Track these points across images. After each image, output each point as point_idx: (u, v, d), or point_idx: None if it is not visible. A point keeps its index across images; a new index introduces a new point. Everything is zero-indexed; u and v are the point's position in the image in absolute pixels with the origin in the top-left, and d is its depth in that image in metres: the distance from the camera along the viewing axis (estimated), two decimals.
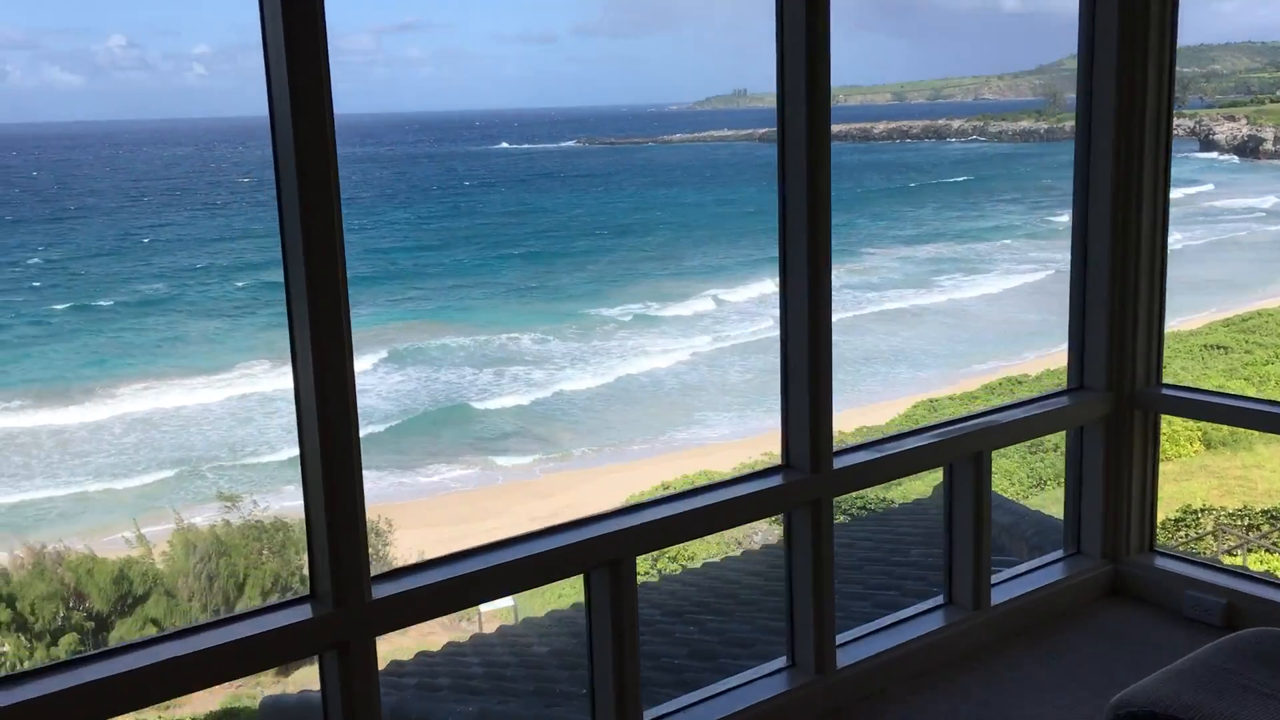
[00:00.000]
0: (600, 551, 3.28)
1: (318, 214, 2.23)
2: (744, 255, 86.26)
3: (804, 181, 3.39)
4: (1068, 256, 5.24)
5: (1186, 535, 21.17)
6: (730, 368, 56.25)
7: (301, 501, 3.09)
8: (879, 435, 4.75)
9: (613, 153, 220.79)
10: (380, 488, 40.30)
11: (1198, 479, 30.86)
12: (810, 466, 3.96)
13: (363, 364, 56.73)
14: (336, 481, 2.86)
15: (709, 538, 30.31)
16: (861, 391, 48.21)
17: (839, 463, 4.14)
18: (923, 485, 31.59)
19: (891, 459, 4.32)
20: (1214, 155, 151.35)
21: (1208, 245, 79.14)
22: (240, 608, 25.20)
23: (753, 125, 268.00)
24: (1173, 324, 52.22)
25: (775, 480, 4.01)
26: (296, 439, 2.93)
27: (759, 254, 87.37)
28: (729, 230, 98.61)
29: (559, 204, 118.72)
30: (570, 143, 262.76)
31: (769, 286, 74.84)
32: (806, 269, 3.48)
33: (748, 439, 42.71)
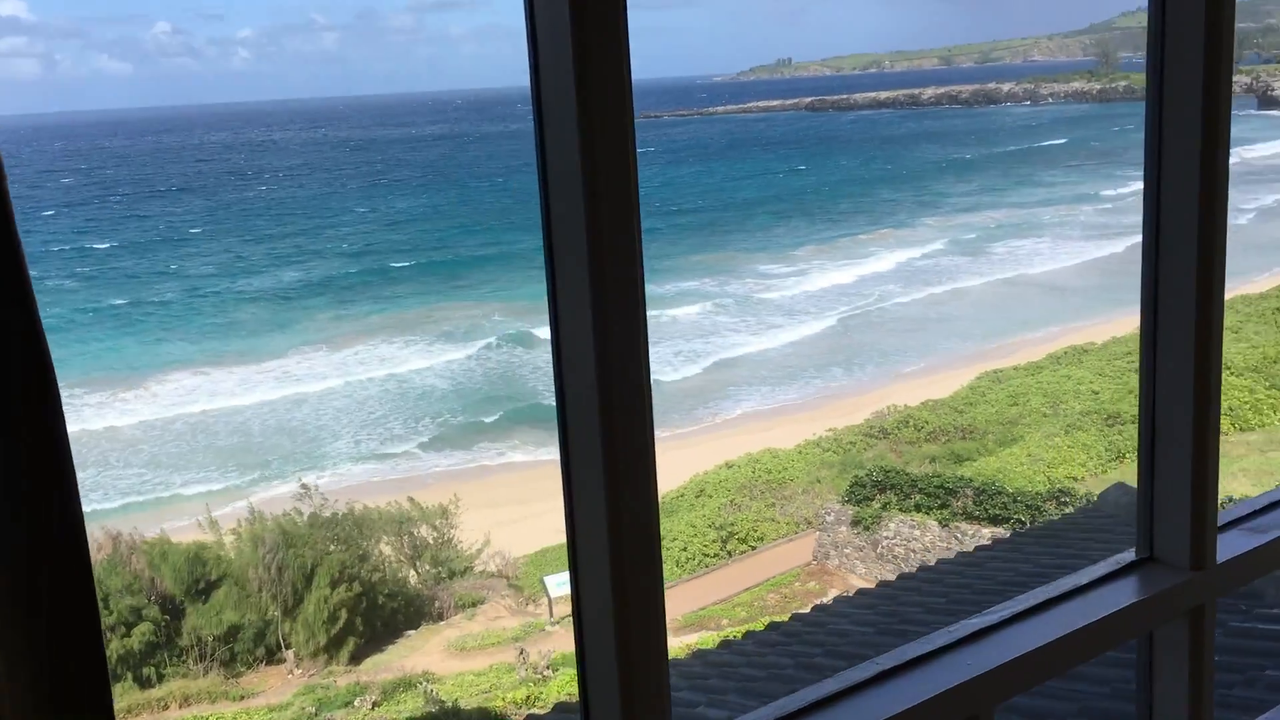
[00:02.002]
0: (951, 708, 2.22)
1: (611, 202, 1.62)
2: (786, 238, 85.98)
3: (1195, 185, 2.37)
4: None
5: None
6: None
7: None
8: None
9: (677, 125, 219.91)
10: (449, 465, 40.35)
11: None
12: (1190, 562, 2.79)
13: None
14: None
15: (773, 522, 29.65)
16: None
17: (1223, 552, 2.90)
18: (996, 462, 31.00)
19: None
20: (1274, 112, 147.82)
21: (1269, 206, 77.15)
22: (309, 599, 25.13)
23: (798, 95, 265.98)
24: (1238, 287, 51.09)
25: (1135, 584, 2.76)
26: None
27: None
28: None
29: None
30: None
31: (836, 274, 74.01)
32: (1194, 294, 2.36)
33: (793, 413, 42.34)
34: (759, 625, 12.99)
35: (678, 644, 23.66)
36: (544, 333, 58.34)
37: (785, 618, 5.88)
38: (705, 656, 5.24)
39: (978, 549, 6.40)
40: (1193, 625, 2.80)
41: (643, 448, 1.59)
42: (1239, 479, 28.74)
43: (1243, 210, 74.91)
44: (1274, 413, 31.36)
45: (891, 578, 25.61)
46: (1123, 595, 2.46)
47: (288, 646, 25.74)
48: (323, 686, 23.11)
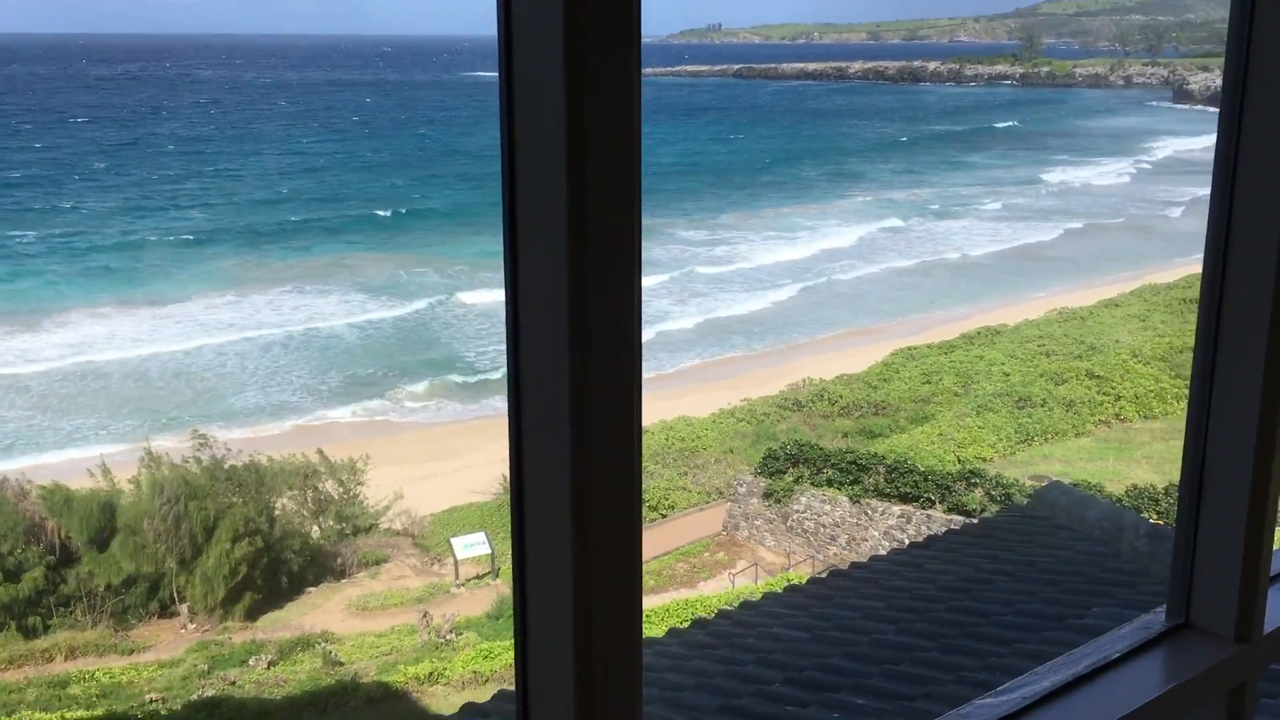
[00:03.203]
0: None
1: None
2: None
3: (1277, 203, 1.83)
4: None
5: None
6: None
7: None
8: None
9: None
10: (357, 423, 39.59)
11: None
12: (1235, 633, 2.26)
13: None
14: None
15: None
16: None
17: (1272, 619, 2.36)
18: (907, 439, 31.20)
19: None
20: (1184, 106, 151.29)
21: (1202, 198, 79.05)
22: (209, 552, 24.40)
23: (726, 61, 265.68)
24: (1148, 275, 52.27)
25: (1168, 657, 2.26)
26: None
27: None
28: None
29: None
30: None
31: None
32: (1267, 325, 1.79)
33: (710, 382, 42.31)
34: (683, 621, 12.74)
35: None
36: (467, 289, 57.51)
37: (711, 614, 5.56)
38: None
39: (913, 546, 6.19)
40: (1231, 706, 2.33)
41: (628, 412, 1.20)
42: (1141, 465, 29.33)
43: (1176, 204, 76.75)
44: (1177, 402, 32.01)
45: (800, 550, 25.59)
46: (1155, 673, 2.07)
47: (182, 600, 24.98)
48: (217, 643, 22.46)
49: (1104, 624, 4.48)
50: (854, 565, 5.72)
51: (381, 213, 78.72)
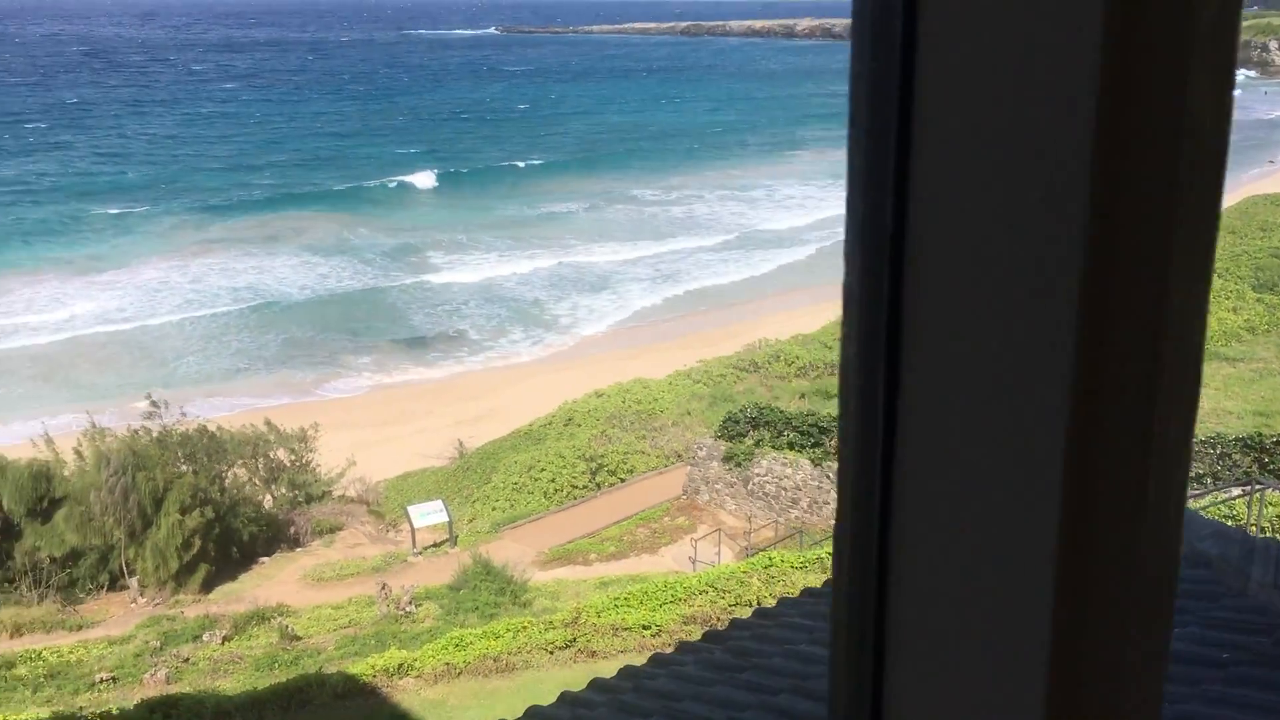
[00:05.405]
0: None
1: None
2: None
3: None
4: None
5: None
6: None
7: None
8: None
9: (549, 43, 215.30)
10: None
11: None
12: None
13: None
14: None
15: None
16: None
17: None
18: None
19: None
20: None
21: None
22: (160, 523, 23.81)
23: (673, 19, 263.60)
24: None
25: None
26: None
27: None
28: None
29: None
30: (491, 29, 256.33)
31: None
32: None
33: (660, 342, 42.04)
34: (693, 633, 12.39)
35: (548, 578, 23.14)
36: (419, 250, 56.66)
37: (725, 626, 5.19)
38: (639, 679, 4.53)
39: None
40: None
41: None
42: None
43: None
44: None
45: (761, 514, 25.37)
46: None
47: (132, 574, 24.33)
48: (169, 618, 21.89)
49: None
50: None
51: (321, 167, 77.58)
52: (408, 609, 20.31)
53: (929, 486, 0.76)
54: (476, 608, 19.99)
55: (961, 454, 0.75)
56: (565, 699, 5.02)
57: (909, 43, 0.70)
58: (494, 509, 29.09)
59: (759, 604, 12.86)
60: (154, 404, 26.98)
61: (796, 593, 12.67)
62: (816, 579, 13.48)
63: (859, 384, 0.79)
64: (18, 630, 21.84)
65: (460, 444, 33.57)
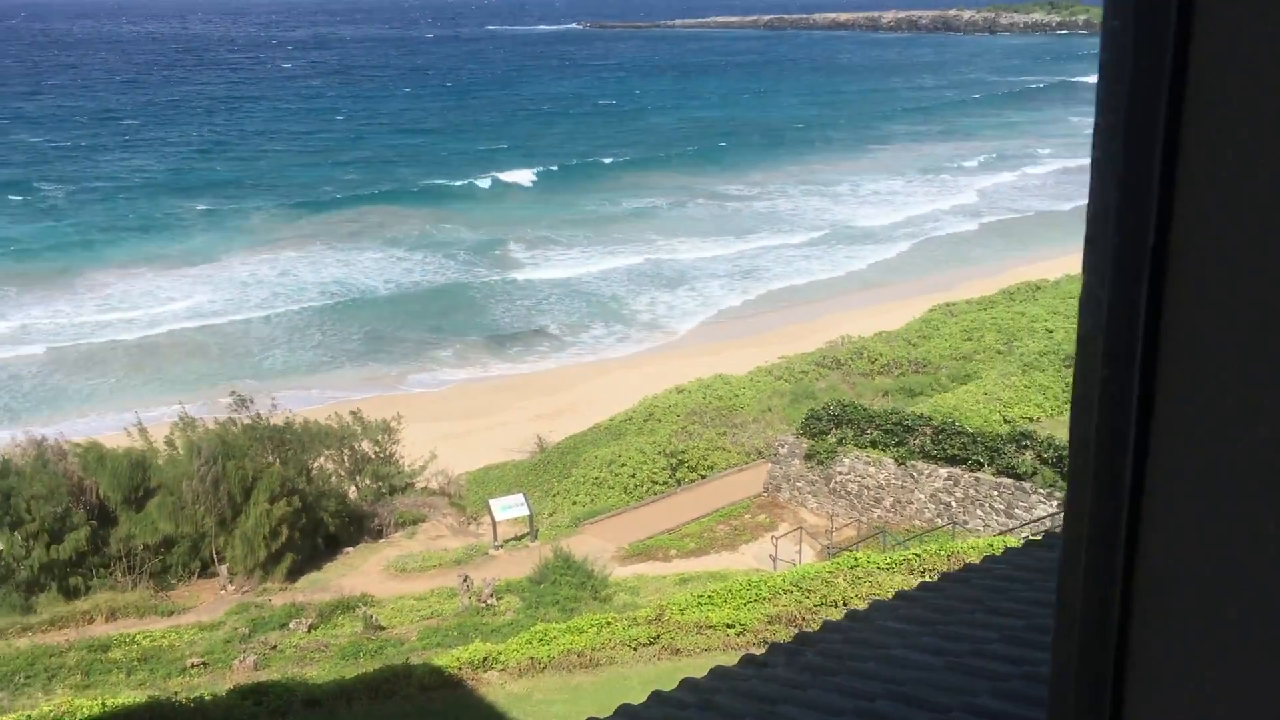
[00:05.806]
0: None
1: None
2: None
3: None
4: None
5: None
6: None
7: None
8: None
9: (631, 38, 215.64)
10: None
11: None
12: None
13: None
14: None
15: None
16: None
17: None
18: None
19: None
20: None
21: None
22: (249, 513, 24.24)
23: (756, 12, 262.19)
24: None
25: None
26: None
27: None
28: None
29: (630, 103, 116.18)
30: (573, 25, 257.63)
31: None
32: None
33: (742, 338, 41.76)
34: (778, 633, 12.26)
35: (628, 573, 23.12)
36: (504, 247, 57.08)
37: (815, 627, 5.07)
38: (730, 680, 4.43)
39: (1028, 544, 5.63)
40: None
41: None
42: None
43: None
44: None
45: (844, 513, 25.08)
46: None
47: (221, 561, 24.83)
48: (257, 605, 22.27)
49: None
50: (968, 568, 5.18)
51: (412, 167, 78.41)
52: (489, 601, 20.43)
53: (1189, 510, 0.66)
54: (557, 602, 20.04)
55: (1226, 470, 0.65)
56: (656, 698, 4.95)
57: (1184, 30, 0.60)
58: (574, 503, 29.16)
59: (846, 604, 12.68)
60: (240, 399, 27.43)
61: (883, 594, 12.48)
62: (905, 581, 13.24)
63: (1104, 393, 0.70)
64: (112, 614, 22.39)
65: (540, 438, 33.72)
